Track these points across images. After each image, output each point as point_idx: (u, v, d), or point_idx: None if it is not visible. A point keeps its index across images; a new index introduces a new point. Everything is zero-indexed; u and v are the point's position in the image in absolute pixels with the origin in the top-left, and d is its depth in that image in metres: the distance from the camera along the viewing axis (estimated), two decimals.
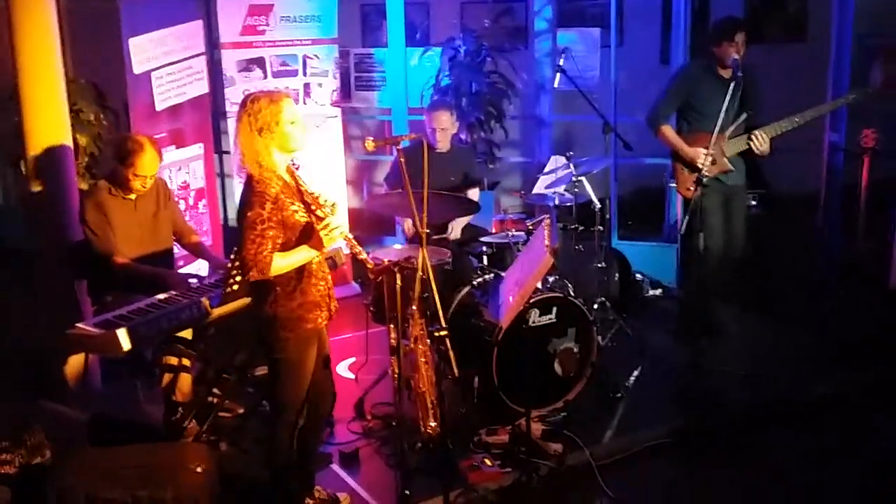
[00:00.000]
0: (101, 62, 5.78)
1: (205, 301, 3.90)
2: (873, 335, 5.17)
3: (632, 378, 5.04)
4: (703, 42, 5.60)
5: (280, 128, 3.34)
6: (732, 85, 4.88)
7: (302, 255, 3.38)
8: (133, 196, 4.40)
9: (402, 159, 3.66)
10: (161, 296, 4.02)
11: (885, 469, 4.03)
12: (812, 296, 6.05)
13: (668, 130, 5.40)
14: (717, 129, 4.91)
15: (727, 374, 5.09)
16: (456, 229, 5.43)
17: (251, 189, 3.32)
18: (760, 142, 5.19)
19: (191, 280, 4.27)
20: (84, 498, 3.28)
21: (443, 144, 5.47)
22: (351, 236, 3.58)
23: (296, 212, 3.38)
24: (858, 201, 5.87)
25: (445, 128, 5.45)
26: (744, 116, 5.17)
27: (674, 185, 5.58)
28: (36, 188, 4.66)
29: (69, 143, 4.77)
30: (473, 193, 5.49)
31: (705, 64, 5.35)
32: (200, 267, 5.47)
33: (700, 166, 5.09)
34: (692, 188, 5.21)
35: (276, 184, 3.34)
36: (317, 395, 3.69)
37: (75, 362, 4.77)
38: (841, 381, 5.05)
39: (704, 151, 5.08)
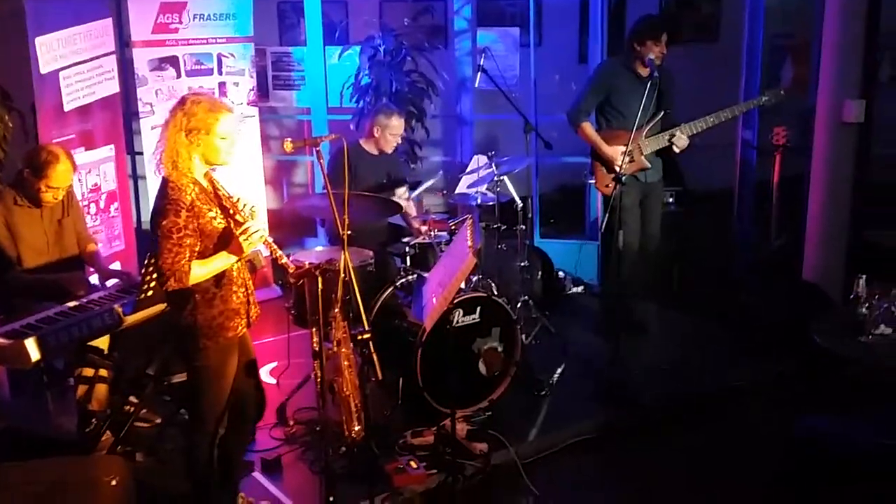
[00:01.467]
0: (6, 62, 5.56)
1: (117, 308, 3.79)
2: (789, 326, 5.32)
3: (555, 376, 5.08)
4: (622, 40, 5.67)
5: (209, 138, 3.25)
6: (649, 84, 4.96)
7: (221, 261, 3.29)
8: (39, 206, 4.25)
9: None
10: (71, 303, 3.89)
11: (802, 456, 4.14)
12: (728, 290, 6.19)
13: (588, 128, 5.47)
14: (635, 127, 4.98)
15: (647, 370, 5.18)
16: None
17: (165, 196, 3.21)
18: (682, 140, 5.29)
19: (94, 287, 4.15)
20: None
21: (391, 147, 5.44)
22: (271, 240, 3.51)
23: (213, 218, 3.29)
24: (771, 197, 6.03)
25: (398, 132, 5.40)
26: (661, 115, 5.26)
27: (593, 182, 5.64)
28: None
29: None
30: (402, 192, 5.46)
31: (623, 61, 5.43)
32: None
33: (617, 167, 5.16)
34: (610, 185, 5.29)
35: (191, 190, 3.24)
36: (240, 402, 3.62)
37: None
38: (759, 373, 5.19)
39: (622, 150, 5.15)
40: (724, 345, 5.59)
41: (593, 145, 5.46)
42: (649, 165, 5.39)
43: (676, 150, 5.33)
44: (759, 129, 6.59)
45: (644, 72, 5.29)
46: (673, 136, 5.31)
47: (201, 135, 3.24)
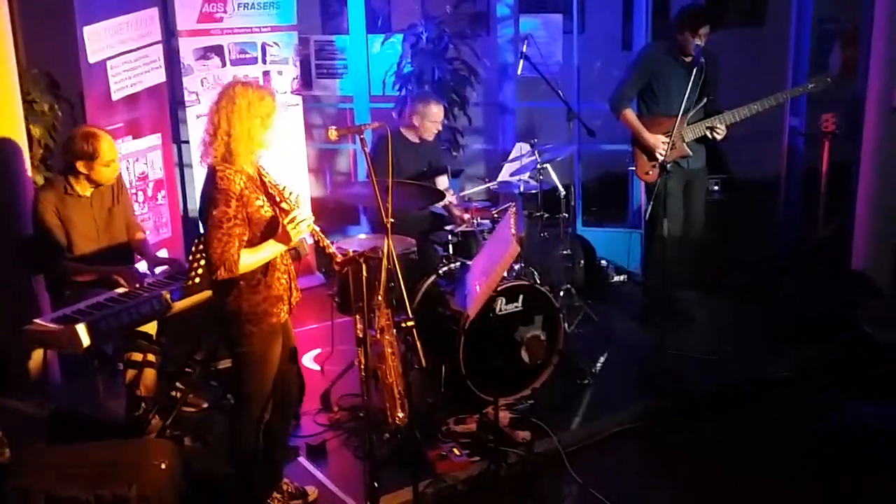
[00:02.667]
0: (54, 51, 5.64)
1: (165, 294, 3.84)
2: (836, 315, 5.24)
3: (598, 364, 5.06)
4: (666, 26, 5.60)
5: (254, 122, 3.28)
6: (695, 70, 4.90)
7: (269, 250, 3.33)
8: (89, 193, 4.31)
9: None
10: (120, 290, 3.95)
11: (847, 445, 4.08)
12: (774, 279, 6.11)
13: (630, 114, 5.42)
14: (680, 113, 4.92)
15: (691, 358, 5.13)
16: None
17: (214, 185, 3.24)
18: (720, 130, 5.23)
19: (143, 275, 4.20)
20: (44, 497, 3.20)
21: (431, 135, 5.44)
22: (317, 228, 3.53)
23: (261, 207, 3.33)
24: (819, 185, 5.93)
25: (437, 119, 5.41)
26: (704, 101, 5.19)
27: (633, 168, 5.59)
28: None
29: (22, 134, 4.66)
30: (442, 181, 5.46)
31: (667, 47, 5.37)
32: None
33: (659, 155, 5.11)
34: (651, 172, 5.24)
35: (239, 179, 3.27)
36: (283, 388, 3.65)
37: (34, 357, 4.67)
38: (803, 362, 5.12)
39: (664, 139, 5.10)
40: (768, 334, 5.52)
41: (634, 132, 5.41)
42: (691, 153, 5.33)
43: (717, 137, 5.27)
44: (807, 116, 6.48)
45: (688, 58, 5.23)
46: (713, 124, 5.24)
47: (247, 118, 3.27)
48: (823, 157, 5.85)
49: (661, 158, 5.18)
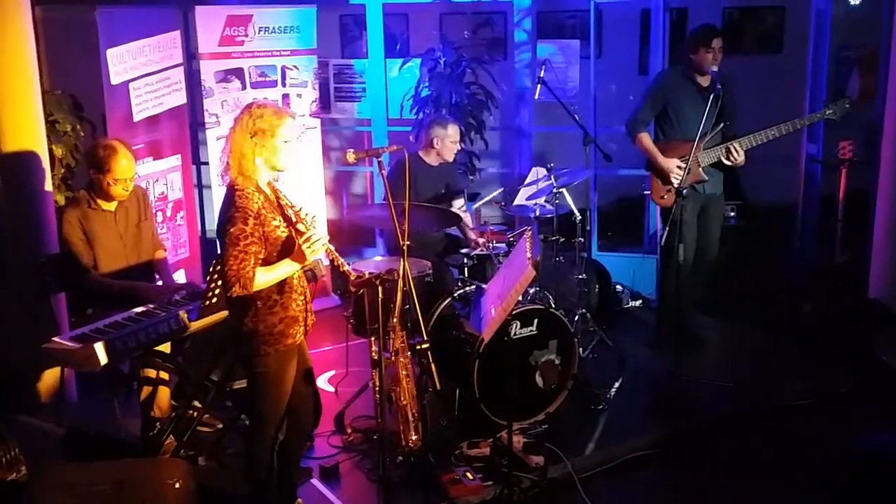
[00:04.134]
0: (78, 73, 5.72)
1: (182, 314, 3.86)
2: (853, 342, 5.20)
3: (613, 390, 5.04)
4: (681, 51, 5.62)
5: (273, 140, 3.33)
6: (711, 96, 4.91)
7: (284, 269, 3.36)
8: (113, 207, 4.34)
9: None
10: (138, 309, 3.98)
11: (863, 473, 4.05)
12: (790, 305, 6.08)
13: (646, 138, 5.44)
14: (697, 138, 4.93)
15: (706, 384, 5.11)
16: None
17: (232, 203, 3.29)
18: (736, 155, 5.23)
19: (176, 292, 4.22)
20: None
21: (452, 155, 5.51)
22: (332, 247, 3.56)
23: (277, 227, 3.36)
24: (836, 212, 5.91)
25: (456, 139, 5.49)
26: (721, 126, 5.20)
27: (649, 192, 5.60)
28: (9, 199, 4.61)
29: (44, 154, 4.73)
30: (459, 204, 5.49)
31: (683, 71, 5.39)
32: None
33: (674, 179, 5.12)
34: (666, 197, 5.24)
35: (257, 198, 3.32)
36: (298, 410, 3.67)
37: (51, 376, 4.71)
38: (820, 389, 5.08)
39: (679, 163, 5.11)
40: (784, 360, 5.49)
41: (650, 156, 5.43)
42: (707, 178, 5.33)
43: (729, 163, 5.26)
44: (824, 142, 6.47)
45: (704, 81, 5.24)
46: (729, 149, 5.24)
47: (266, 137, 3.32)
48: (840, 184, 5.82)
49: (675, 183, 5.19)
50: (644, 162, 5.57)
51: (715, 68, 5.17)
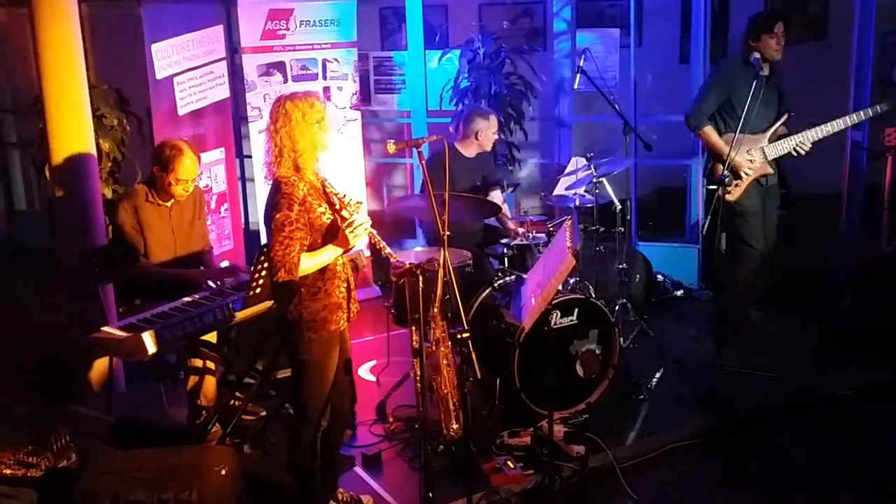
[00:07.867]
0: (123, 68, 5.83)
1: (228, 304, 3.92)
2: None
3: (654, 379, 5.03)
4: (724, 40, 5.54)
5: (308, 126, 3.39)
6: (772, 84, 4.81)
7: (328, 254, 3.41)
8: (169, 203, 4.42)
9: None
10: (186, 299, 4.05)
11: None
12: (834, 296, 6.00)
13: (711, 132, 5.30)
14: (770, 131, 4.85)
15: (748, 375, 5.07)
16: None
17: (279, 191, 3.35)
18: (803, 149, 5.16)
19: (222, 276, 4.29)
20: (109, 500, 3.30)
21: (490, 145, 5.54)
22: (374, 231, 3.60)
23: (322, 213, 3.42)
24: (882, 201, 5.82)
25: (496, 129, 5.53)
26: (785, 117, 5.11)
27: (713, 187, 5.44)
28: (59, 193, 4.71)
29: (92, 148, 4.81)
30: (496, 195, 5.50)
31: (744, 62, 5.24)
32: None
33: (745, 174, 5.06)
34: (732, 190, 5.14)
35: (302, 186, 3.37)
36: (337, 399, 3.70)
37: (99, 365, 4.81)
38: (863, 380, 5.03)
39: (748, 157, 5.05)
40: (829, 351, 5.44)
41: (716, 150, 5.28)
42: (773, 171, 5.25)
43: (801, 153, 5.19)
44: (869, 130, 6.37)
45: (765, 70, 5.13)
46: (800, 142, 5.15)
47: (307, 129, 3.38)
48: (886, 172, 5.73)
49: (746, 178, 5.10)
50: (685, 151, 5.49)
51: (778, 56, 5.06)
